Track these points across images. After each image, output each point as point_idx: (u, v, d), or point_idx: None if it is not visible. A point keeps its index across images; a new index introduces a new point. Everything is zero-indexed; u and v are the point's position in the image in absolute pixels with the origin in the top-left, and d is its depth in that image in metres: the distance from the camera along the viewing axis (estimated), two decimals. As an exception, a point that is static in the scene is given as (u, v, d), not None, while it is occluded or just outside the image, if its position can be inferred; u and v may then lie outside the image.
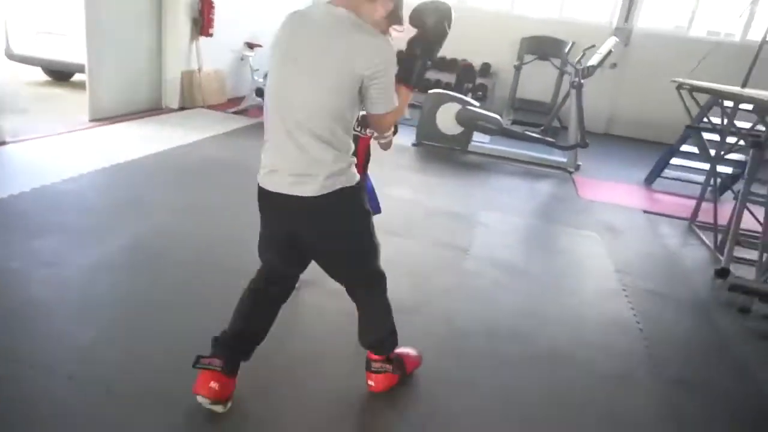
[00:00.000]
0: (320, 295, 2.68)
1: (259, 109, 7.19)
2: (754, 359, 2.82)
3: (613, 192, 5.70)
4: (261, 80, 7.10)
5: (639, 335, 2.85)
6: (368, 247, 1.89)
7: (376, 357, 2.05)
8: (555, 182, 5.88)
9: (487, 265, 3.46)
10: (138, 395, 1.91)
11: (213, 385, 1.79)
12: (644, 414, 2.25)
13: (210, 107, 7.02)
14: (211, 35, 6.84)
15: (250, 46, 7.39)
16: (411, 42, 1.78)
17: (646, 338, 2.82)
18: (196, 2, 6.63)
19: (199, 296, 2.62)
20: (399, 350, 2.12)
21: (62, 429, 1.75)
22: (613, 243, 4.18)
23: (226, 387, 1.84)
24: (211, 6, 6.69)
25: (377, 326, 2.03)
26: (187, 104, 6.83)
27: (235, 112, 6.96)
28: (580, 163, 6.39)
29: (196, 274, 2.84)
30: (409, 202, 4.47)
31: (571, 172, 6.24)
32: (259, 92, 7.02)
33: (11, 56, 7.04)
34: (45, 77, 7.61)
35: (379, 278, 1.98)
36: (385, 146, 2.11)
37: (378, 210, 2.42)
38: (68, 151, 4.60)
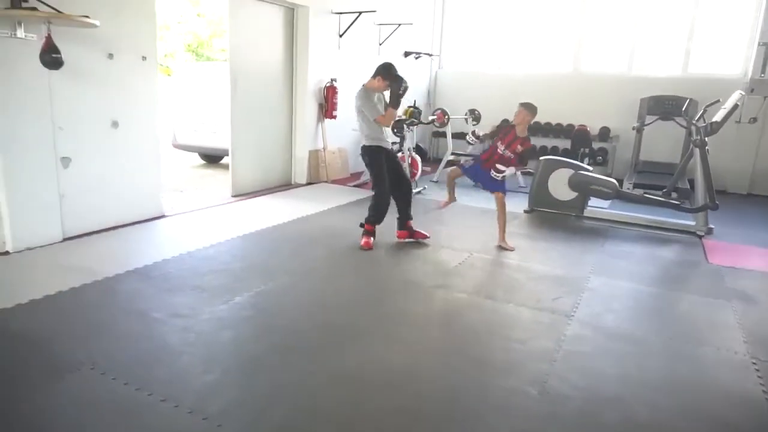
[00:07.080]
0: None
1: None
2: None
3: (753, 257, 5.13)
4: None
5: None
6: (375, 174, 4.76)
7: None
8: (681, 247, 5.46)
9: (589, 330, 3.33)
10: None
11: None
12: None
13: (334, 182, 7.70)
14: (334, 117, 7.62)
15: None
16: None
17: (777, 417, 2.50)
18: (321, 90, 7.50)
19: (306, 345, 2.89)
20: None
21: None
22: (746, 312, 3.77)
23: None
24: (334, 92, 7.51)
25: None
26: (313, 180, 7.58)
27: (355, 185, 7.54)
28: (712, 226, 5.88)
29: (304, 328, 3.14)
30: (512, 267, 4.47)
31: (700, 236, 5.76)
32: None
33: (176, 146, 8.52)
34: (201, 161, 9.00)
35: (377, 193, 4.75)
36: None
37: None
38: (212, 222, 5.36)
